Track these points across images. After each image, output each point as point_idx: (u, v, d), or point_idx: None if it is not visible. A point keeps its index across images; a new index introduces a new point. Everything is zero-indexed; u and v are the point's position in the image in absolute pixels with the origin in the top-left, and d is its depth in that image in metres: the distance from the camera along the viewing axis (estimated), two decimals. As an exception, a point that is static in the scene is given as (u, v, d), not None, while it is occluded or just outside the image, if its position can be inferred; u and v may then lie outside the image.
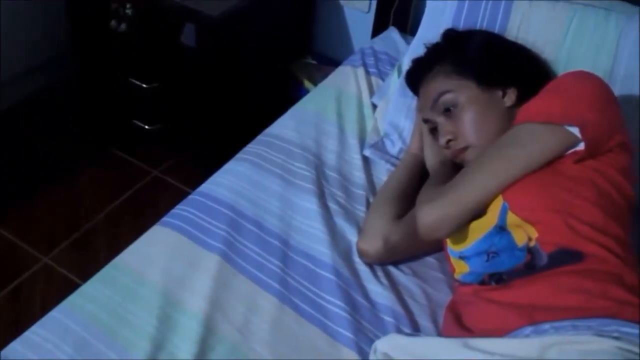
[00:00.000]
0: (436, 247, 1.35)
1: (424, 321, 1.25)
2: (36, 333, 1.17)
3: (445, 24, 1.51)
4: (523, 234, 1.11)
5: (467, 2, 1.53)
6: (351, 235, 1.38)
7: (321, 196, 1.46)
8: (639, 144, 1.32)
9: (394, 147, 1.58)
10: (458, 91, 1.28)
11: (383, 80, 1.79)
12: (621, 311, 0.98)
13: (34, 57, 2.51)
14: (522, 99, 1.26)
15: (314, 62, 2.36)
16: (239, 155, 1.57)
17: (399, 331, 1.21)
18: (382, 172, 1.55)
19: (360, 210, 1.45)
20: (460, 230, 1.18)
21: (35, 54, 2.50)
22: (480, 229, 1.17)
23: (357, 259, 1.34)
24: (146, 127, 2.27)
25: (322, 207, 1.43)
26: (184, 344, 1.16)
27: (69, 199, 2.28)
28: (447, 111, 1.29)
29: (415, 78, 1.42)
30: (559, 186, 1.12)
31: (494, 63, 1.31)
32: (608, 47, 1.40)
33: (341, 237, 1.38)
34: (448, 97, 1.29)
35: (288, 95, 2.26)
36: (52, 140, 2.49)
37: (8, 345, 1.15)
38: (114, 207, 2.27)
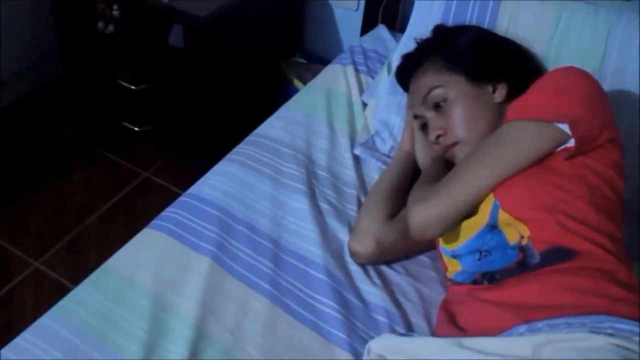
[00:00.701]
0: (429, 246, 1.35)
1: (417, 320, 1.24)
2: (26, 339, 1.16)
3: (434, 20, 1.51)
4: (515, 233, 1.10)
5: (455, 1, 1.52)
6: (343, 235, 1.38)
7: (312, 196, 1.45)
8: (629, 139, 1.33)
9: (384, 145, 1.57)
10: (448, 86, 1.27)
11: (372, 78, 1.78)
12: (615, 308, 0.97)
13: (21, 60, 2.49)
14: (512, 95, 1.25)
15: (303, 61, 2.35)
16: (229, 156, 1.56)
17: (393, 331, 1.20)
18: (373, 171, 1.54)
19: (351, 209, 1.44)
20: (452, 229, 1.17)
21: (22, 57, 2.48)
22: (472, 227, 1.16)
23: (349, 259, 1.34)
24: (136, 128, 2.26)
25: (313, 207, 1.42)
26: (175, 347, 1.15)
27: (59, 202, 2.27)
28: (437, 106, 1.29)
29: (405, 74, 1.41)
30: (550, 183, 1.11)
31: (484, 58, 1.30)
32: (597, 43, 1.40)
33: (333, 237, 1.37)
34: (438, 92, 1.28)
35: (278, 94, 2.25)
36: (42, 143, 2.47)
37: (-3, 352, 1.14)
38: (105, 209, 2.25)
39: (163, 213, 1.42)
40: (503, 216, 1.11)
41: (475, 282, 1.15)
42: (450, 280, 1.23)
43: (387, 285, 1.30)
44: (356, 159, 1.57)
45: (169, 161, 2.41)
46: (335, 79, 1.79)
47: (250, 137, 1.61)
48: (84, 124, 2.45)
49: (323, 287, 1.27)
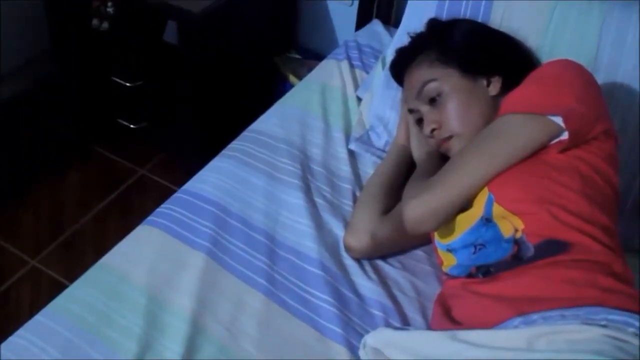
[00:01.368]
0: (424, 241, 1.35)
1: (413, 314, 1.25)
2: (22, 337, 1.17)
3: (428, 15, 1.50)
4: (509, 226, 1.10)
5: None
6: (338, 229, 1.38)
7: (307, 191, 1.45)
8: (623, 131, 1.33)
9: (379, 140, 1.57)
10: (442, 80, 1.27)
11: (367, 73, 1.78)
12: (609, 299, 0.98)
13: (16, 57, 2.48)
14: (506, 88, 1.25)
15: (298, 56, 2.34)
16: (224, 152, 1.56)
17: (388, 325, 1.20)
18: (368, 166, 1.54)
19: (346, 204, 1.44)
20: (446, 223, 1.17)
21: (16, 54, 2.47)
22: (466, 221, 1.16)
23: (344, 253, 1.34)
24: (131, 125, 2.25)
25: (308, 202, 1.42)
26: (171, 343, 1.15)
27: (55, 200, 2.26)
28: (432, 100, 1.29)
29: (400, 68, 1.41)
30: (544, 176, 1.11)
31: (478, 51, 1.30)
32: (591, 36, 1.40)
33: (328, 231, 1.37)
34: (432, 85, 1.28)
35: (273, 90, 2.25)
36: (36, 141, 2.46)
37: (-7, 350, 1.14)
38: (101, 207, 2.25)
39: (158, 209, 1.42)
40: (497, 209, 1.12)
41: (470, 275, 1.15)
42: (445, 274, 1.23)
43: (382, 280, 1.30)
44: (351, 153, 1.57)
45: (164, 158, 2.40)
46: (330, 74, 1.78)
47: (245, 133, 1.61)
48: (79, 121, 2.45)
49: (318, 282, 1.27)
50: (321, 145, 1.57)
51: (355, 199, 1.45)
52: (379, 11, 2.05)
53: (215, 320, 1.20)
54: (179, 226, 1.36)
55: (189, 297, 1.22)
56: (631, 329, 0.92)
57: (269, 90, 2.28)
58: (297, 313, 1.22)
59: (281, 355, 1.16)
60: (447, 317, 1.12)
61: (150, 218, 1.40)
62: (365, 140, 1.58)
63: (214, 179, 1.47)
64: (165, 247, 1.32)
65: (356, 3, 2.14)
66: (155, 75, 2.14)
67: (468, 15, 1.49)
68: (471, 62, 1.29)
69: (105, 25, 2.11)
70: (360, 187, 1.48)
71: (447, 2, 1.52)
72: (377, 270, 1.32)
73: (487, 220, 1.13)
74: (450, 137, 1.26)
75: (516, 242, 1.09)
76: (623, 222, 1.34)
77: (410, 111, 1.37)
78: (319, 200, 1.44)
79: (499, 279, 1.09)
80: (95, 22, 2.12)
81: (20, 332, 1.18)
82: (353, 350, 1.16)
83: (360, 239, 1.32)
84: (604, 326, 0.92)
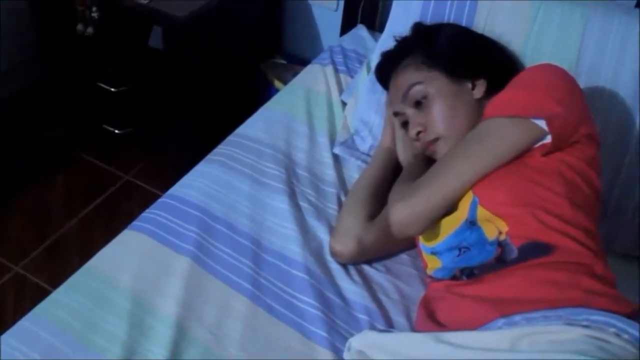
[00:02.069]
0: (409, 245, 1.35)
1: (398, 317, 1.25)
2: (5, 342, 1.15)
3: (413, 19, 1.51)
4: (493, 228, 1.11)
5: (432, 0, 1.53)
6: (323, 233, 1.38)
7: (292, 195, 1.45)
8: (604, 135, 1.34)
9: (364, 144, 1.58)
10: (428, 83, 1.28)
11: (352, 78, 1.79)
12: (591, 300, 0.99)
13: (1, 62, 2.46)
14: (491, 91, 1.26)
15: (283, 61, 2.35)
16: (209, 156, 1.56)
17: (373, 328, 1.20)
18: (353, 170, 1.55)
19: (331, 208, 1.45)
20: (432, 226, 1.18)
21: (1, 59, 2.46)
22: (451, 224, 1.17)
23: (329, 257, 1.34)
24: (116, 131, 2.25)
25: (293, 207, 1.42)
26: (156, 348, 1.14)
27: (40, 206, 2.25)
28: (418, 103, 1.29)
29: (385, 71, 1.42)
30: (527, 179, 1.12)
31: (463, 55, 1.32)
32: (573, 39, 1.41)
33: (313, 235, 1.38)
34: (418, 88, 1.29)
35: (258, 95, 2.25)
36: (21, 147, 2.45)
37: (-25, 356, 1.13)
38: (86, 212, 2.24)
39: (143, 214, 1.41)
40: (482, 212, 1.12)
41: (454, 277, 1.16)
42: (429, 277, 1.24)
43: (367, 283, 1.30)
44: (336, 158, 1.57)
45: (149, 164, 2.40)
46: (315, 79, 1.79)
47: (231, 138, 1.61)
48: (65, 127, 2.43)
49: (303, 286, 1.27)
50: (306, 149, 1.58)
51: (340, 203, 1.45)
52: (363, 16, 2.06)
53: (200, 325, 1.19)
54: (164, 231, 1.35)
55: (174, 301, 1.22)
56: (612, 329, 0.92)
57: (254, 95, 2.28)
58: (282, 317, 1.22)
59: (267, 358, 1.15)
60: (431, 319, 1.13)
61: (135, 223, 1.39)
62: (350, 145, 1.59)
63: (199, 184, 1.46)
64: (150, 252, 1.31)
65: (341, 8, 2.15)
66: (141, 81, 2.14)
67: (452, 19, 1.50)
68: (456, 66, 1.30)
69: (90, 30, 2.11)
70: (345, 191, 1.48)
71: (431, 4, 1.53)
72: (361, 273, 1.33)
73: (472, 223, 1.14)
74: (436, 140, 1.26)
75: (500, 244, 1.10)
76: (605, 224, 1.36)
77: (396, 114, 1.37)
78: (304, 205, 1.44)
79: (482, 280, 1.10)
80: (80, 27, 2.12)
81: (4, 337, 1.16)
82: (338, 353, 1.16)
83: (347, 244, 1.32)
84: (586, 327, 0.93)
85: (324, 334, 1.19)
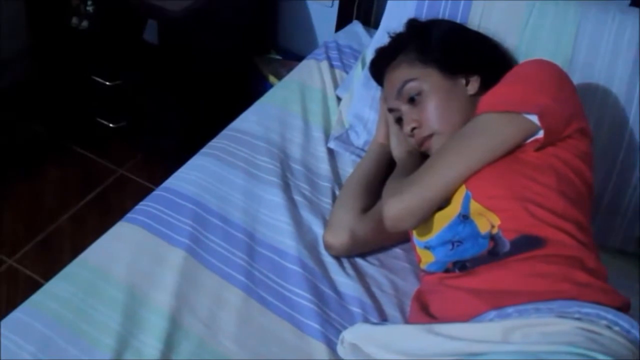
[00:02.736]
0: (402, 239, 1.36)
1: (391, 310, 1.25)
2: (-2, 333, 1.15)
3: (408, 16, 1.52)
4: (486, 222, 1.12)
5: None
6: (317, 227, 1.38)
7: (286, 189, 1.45)
8: (597, 131, 1.35)
9: (358, 139, 1.59)
10: (422, 79, 1.29)
11: (347, 73, 1.79)
12: (582, 293, 1.00)
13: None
14: (485, 87, 1.27)
15: (278, 57, 2.35)
16: (204, 150, 1.56)
17: (367, 321, 1.21)
18: (348, 164, 1.55)
19: (325, 202, 1.45)
20: (425, 221, 1.19)
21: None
22: (444, 218, 1.18)
23: (323, 251, 1.35)
24: (110, 125, 2.25)
25: (288, 200, 1.42)
26: (150, 339, 1.14)
27: (33, 200, 2.24)
28: (412, 100, 1.30)
29: (379, 67, 1.42)
30: (520, 174, 1.13)
31: (457, 51, 1.32)
32: (567, 38, 1.42)
33: (307, 229, 1.38)
34: (412, 85, 1.29)
35: (253, 90, 2.25)
36: (14, 140, 2.44)
37: (-31, 347, 1.13)
38: (79, 206, 2.24)
39: (137, 206, 1.42)
40: (474, 206, 1.13)
41: (447, 270, 1.16)
42: (423, 271, 1.25)
43: (361, 277, 1.31)
44: (330, 152, 1.58)
45: (143, 157, 2.40)
46: (310, 74, 1.79)
47: (225, 131, 1.61)
48: (58, 120, 2.43)
49: (297, 279, 1.27)
50: (300, 143, 1.58)
51: (334, 197, 1.46)
52: (359, 12, 2.06)
53: (194, 317, 1.19)
54: (158, 223, 1.35)
55: (168, 293, 1.22)
56: (603, 322, 0.93)
57: (248, 90, 2.28)
58: (276, 310, 1.23)
59: (260, 351, 1.16)
60: (424, 312, 1.14)
61: (129, 215, 1.39)
62: (345, 139, 1.59)
63: (194, 177, 1.47)
64: (144, 244, 1.31)
65: (336, 4, 2.15)
66: (135, 74, 2.14)
67: (447, 16, 1.50)
68: (450, 62, 1.30)
69: (85, 24, 2.11)
70: (340, 186, 1.49)
71: (426, 2, 1.53)
72: (355, 267, 1.33)
73: (465, 217, 1.15)
74: (431, 136, 1.27)
75: (492, 238, 1.11)
76: (599, 220, 1.37)
77: (390, 110, 1.38)
78: (298, 198, 1.44)
79: (475, 273, 1.11)
80: (74, 20, 2.12)
81: (-3, 327, 1.16)
82: (331, 346, 1.16)
83: (340, 237, 1.32)
84: (577, 319, 0.94)
85: (317, 326, 1.19)
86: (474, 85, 1.30)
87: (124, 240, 1.33)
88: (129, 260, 1.28)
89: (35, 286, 1.90)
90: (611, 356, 0.86)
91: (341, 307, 1.24)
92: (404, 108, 1.32)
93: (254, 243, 1.34)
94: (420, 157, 1.33)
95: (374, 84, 1.53)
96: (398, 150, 1.40)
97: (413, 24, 1.43)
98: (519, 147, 1.16)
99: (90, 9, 2.07)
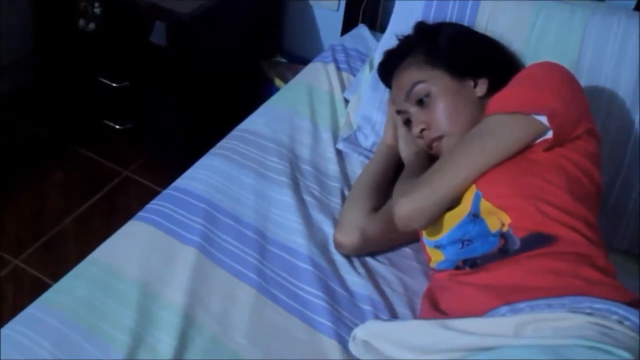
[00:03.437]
0: (412, 238, 1.37)
1: (401, 309, 1.27)
2: (13, 329, 1.15)
3: (415, 18, 1.54)
4: (496, 220, 1.14)
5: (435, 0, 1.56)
6: (327, 227, 1.40)
7: (296, 189, 1.47)
8: (604, 133, 1.37)
9: (367, 141, 1.60)
10: (431, 81, 1.30)
11: (354, 76, 1.81)
12: (592, 289, 1.01)
13: (0, 58, 2.47)
14: (493, 90, 1.28)
15: (283, 60, 2.37)
16: (214, 150, 1.57)
17: (377, 319, 1.22)
18: (356, 165, 1.57)
19: (335, 202, 1.47)
20: (436, 220, 1.20)
21: (1, 54, 2.46)
22: (454, 218, 1.19)
23: (333, 250, 1.36)
24: (117, 126, 2.26)
25: (298, 200, 1.44)
26: (165, 336, 1.15)
27: (38, 201, 2.25)
28: (420, 102, 1.31)
29: (388, 70, 1.44)
30: (530, 173, 1.15)
31: (465, 54, 1.34)
32: (573, 41, 1.44)
33: (317, 228, 1.39)
34: (421, 87, 1.31)
35: (259, 93, 2.27)
36: (20, 141, 2.45)
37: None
38: (85, 207, 2.24)
39: (148, 205, 1.42)
40: (485, 205, 1.15)
41: (457, 268, 1.18)
42: (432, 269, 1.26)
43: (371, 276, 1.32)
44: (339, 153, 1.59)
45: (149, 159, 2.40)
46: (317, 76, 1.81)
47: (234, 132, 1.63)
48: (64, 122, 2.44)
49: (309, 277, 1.29)
50: (309, 144, 1.60)
51: (343, 198, 1.47)
52: (364, 17, 2.08)
53: (207, 314, 1.21)
54: (169, 222, 1.36)
55: (180, 291, 1.23)
56: (614, 317, 0.95)
57: (254, 93, 2.29)
58: (288, 307, 1.24)
59: (272, 347, 1.17)
60: (434, 309, 1.15)
61: (140, 214, 1.40)
62: (353, 141, 1.61)
63: (204, 176, 1.48)
64: (155, 242, 1.32)
65: (342, 9, 2.17)
66: (142, 76, 2.15)
67: (454, 19, 1.52)
68: (459, 64, 1.32)
69: (92, 26, 2.12)
70: (349, 186, 1.50)
71: (434, 4, 1.55)
72: (365, 266, 1.35)
73: (475, 216, 1.16)
74: (440, 137, 1.29)
75: (503, 235, 1.12)
76: (604, 221, 1.38)
77: (399, 112, 1.39)
78: (308, 198, 1.46)
79: (485, 270, 1.12)
80: (81, 22, 2.13)
81: (11, 324, 1.17)
82: (343, 343, 1.18)
83: (350, 236, 1.34)
84: (589, 314, 0.95)
85: (329, 324, 1.21)
86: (482, 87, 1.32)
87: (135, 239, 1.34)
88: (141, 258, 1.29)
89: (41, 286, 1.93)
90: (625, 349, 0.87)
91: (352, 305, 1.26)
92: (413, 110, 1.33)
93: (265, 242, 1.35)
94: (428, 158, 1.35)
95: (381, 86, 1.54)
96: (406, 152, 1.41)
97: (421, 27, 1.45)
98: (528, 147, 1.18)
99: (97, 11, 2.08)
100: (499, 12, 1.50)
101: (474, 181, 1.17)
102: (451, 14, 1.53)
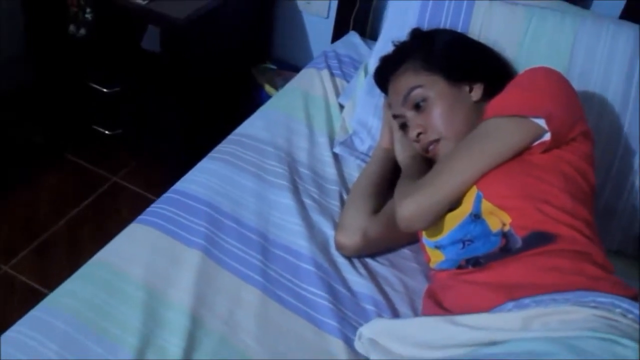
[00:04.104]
0: (412, 239, 1.40)
1: (403, 308, 1.29)
2: (18, 331, 1.15)
3: (410, 23, 1.57)
4: (497, 221, 1.17)
5: (430, 2, 1.59)
6: (327, 228, 1.42)
7: (296, 192, 1.49)
8: (596, 137, 1.40)
9: (363, 145, 1.63)
10: (428, 86, 1.33)
11: (347, 82, 1.83)
12: (595, 285, 1.05)
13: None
14: (487, 94, 1.32)
15: (273, 67, 2.39)
16: (212, 154, 1.58)
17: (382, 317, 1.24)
18: (353, 168, 1.59)
19: (334, 204, 1.49)
20: (437, 221, 1.23)
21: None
22: (454, 219, 1.22)
23: (334, 252, 1.38)
24: (106, 132, 2.25)
25: (298, 203, 1.46)
26: (173, 337, 1.16)
27: (28, 207, 2.24)
28: (417, 106, 1.34)
29: (384, 75, 1.47)
30: (529, 174, 1.18)
31: (461, 59, 1.38)
32: (564, 47, 1.49)
33: (318, 230, 1.42)
34: (418, 92, 1.34)
35: (249, 99, 2.29)
36: (10, 147, 2.43)
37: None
38: (75, 213, 2.24)
39: (150, 208, 1.43)
40: (486, 205, 1.18)
41: (460, 267, 1.21)
42: (432, 269, 1.29)
43: (372, 276, 1.35)
44: (336, 157, 1.62)
45: (139, 165, 2.41)
46: (311, 82, 1.83)
47: (232, 136, 1.64)
48: (54, 127, 2.43)
49: (312, 278, 1.31)
50: (307, 148, 1.62)
51: (342, 200, 1.50)
52: (355, 24, 2.11)
53: (213, 315, 1.22)
54: (172, 224, 1.37)
55: (186, 292, 1.24)
56: (618, 310, 0.98)
57: (245, 98, 2.31)
58: (293, 308, 1.26)
59: (279, 348, 1.19)
60: (439, 307, 1.17)
61: (142, 217, 1.41)
62: (349, 145, 1.63)
63: (204, 180, 1.49)
64: (159, 245, 1.33)
65: (332, 16, 2.19)
66: (133, 82, 2.15)
67: (448, 26, 1.56)
68: (455, 70, 1.35)
69: (82, 31, 2.12)
70: (347, 189, 1.53)
71: (427, 14, 1.58)
72: (366, 267, 1.37)
73: (476, 217, 1.19)
74: (437, 140, 1.32)
75: (504, 235, 1.15)
76: (596, 221, 1.42)
77: (395, 117, 1.42)
78: (307, 201, 1.48)
79: (489, 268, 1.15)
80: (72, 28, 2.12)
81: (17, 327, 1.16)
82: (349, 342, 1.20)
83: (352, 237, 1.36)
84: (593, 307, 0.98)
85: (335, 323, 1.22)
86: (477, 92, 1.35)
87: (138, 241, 1.34)
88: (145, 260, 1.30)
89: (31, 292, 1.92)
90: (633, 340, 0.91)
91: (355, 305, 1.28)
92: (410, 114, 1.36)
93: (268, 244, 1.37)
94: (424, 161, 1.38)
95: (377, 91, 1.57)
96: (402, 155, 1.44)
97: (417, 33, 1.48)
98: (526, 149, 1.21)
99: (89, 16, 2.08)
100: (492, 17, 1.54)
101: (475, 183, 1.20)
102: (446, 17, 1.57)
